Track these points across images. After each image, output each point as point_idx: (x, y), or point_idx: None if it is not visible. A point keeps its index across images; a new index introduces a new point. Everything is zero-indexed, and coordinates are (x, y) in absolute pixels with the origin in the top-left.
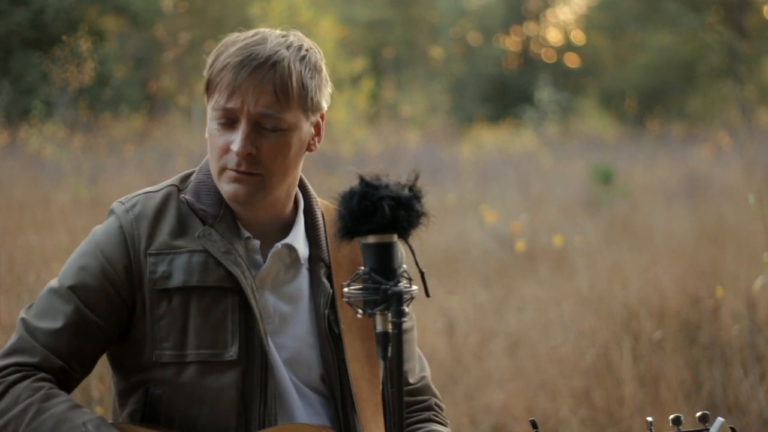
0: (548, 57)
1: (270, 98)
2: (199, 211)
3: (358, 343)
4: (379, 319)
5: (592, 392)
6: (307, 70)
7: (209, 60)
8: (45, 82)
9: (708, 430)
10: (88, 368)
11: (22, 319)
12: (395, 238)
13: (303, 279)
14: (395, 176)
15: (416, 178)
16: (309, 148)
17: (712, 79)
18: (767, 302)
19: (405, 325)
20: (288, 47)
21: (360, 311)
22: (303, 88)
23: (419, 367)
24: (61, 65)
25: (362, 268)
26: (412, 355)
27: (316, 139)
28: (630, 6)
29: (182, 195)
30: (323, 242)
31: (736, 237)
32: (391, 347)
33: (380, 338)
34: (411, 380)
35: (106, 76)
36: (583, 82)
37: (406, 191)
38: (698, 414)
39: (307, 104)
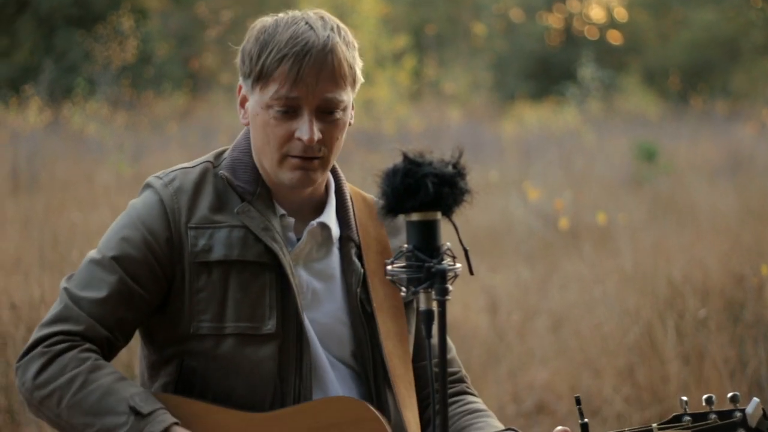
0: (591, 34)
1: (331, 84)
2: (238, 187)
3: (389, 321)
4: (422, 297)
5: (636, 370)
6: (350, 49)
7: (253, 50)
8: (88, 60)
9: (739, 410)
10: (128, 337)
11: (65, 289)
12: (439, 215)
13: (334, 258)
14: (438, 153)
15: (460, 155)
16: (349, 123)
17: (756, 55)
18: None
19: None
20: (333, 30)
21: (403, 289)
22: (350, 67)
23: None
24: (103, 43)
25: (406, 245)
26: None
27: (353, 112)
28: None
29: (220, 171)
30: (353, 223)
31: None
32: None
33: (424, 316)
34: None
35: (148, 54)
36: (626, 60)
37: (450, 168)
38: (729, 395)
39: (354, 81)
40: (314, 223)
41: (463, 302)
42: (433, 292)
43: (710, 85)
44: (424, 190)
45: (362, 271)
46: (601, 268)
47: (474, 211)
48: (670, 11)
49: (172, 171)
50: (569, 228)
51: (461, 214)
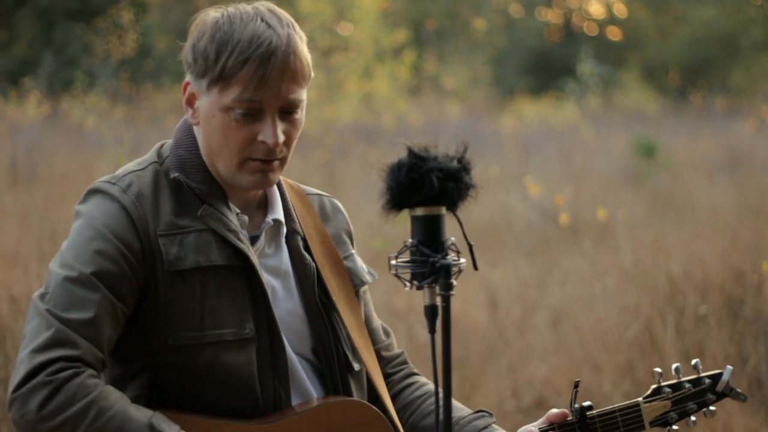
0: (590, 30)
1: (294, 84)
2: (195, 189)
3: (349, 313)
4: (426, 292)
5: (636, 366)
6: (305, 45)
7: (209, 48)
8: (87, 54)
9: (708, 377)
10: (110, 356)
11: (48, 311)
12: (443, 210)
13: (284, 253)
14: (443, 148)
15: (465, 150)
16: None
17: (755, 52)
18: None
19: (363, 287)
20: (289, 26)
21: (407, 284)
22: (308, 66)
23: (380, 324)
24: (103, 36)
25: (410, 240)
26: (375, 315)
27: None
28: None
29: (174, 174)
30: (294, 214)
31: None
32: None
33: (428, 311)
34: (383, 337)
35: (147, 48)
36: (625, 56)
37: (455, 163)
38: (693, 362)
39: (309, 78)
40: (270, 220)
41: (463, 297)
42: (438, 287)
43: (709, 81)
44: (428, 185)
45: (314, 264)
46: (600, 264)
47: (474, 205)
48: (670, 7)
49: (125, 175)
50: (569, 223)
51: (465, 209)
